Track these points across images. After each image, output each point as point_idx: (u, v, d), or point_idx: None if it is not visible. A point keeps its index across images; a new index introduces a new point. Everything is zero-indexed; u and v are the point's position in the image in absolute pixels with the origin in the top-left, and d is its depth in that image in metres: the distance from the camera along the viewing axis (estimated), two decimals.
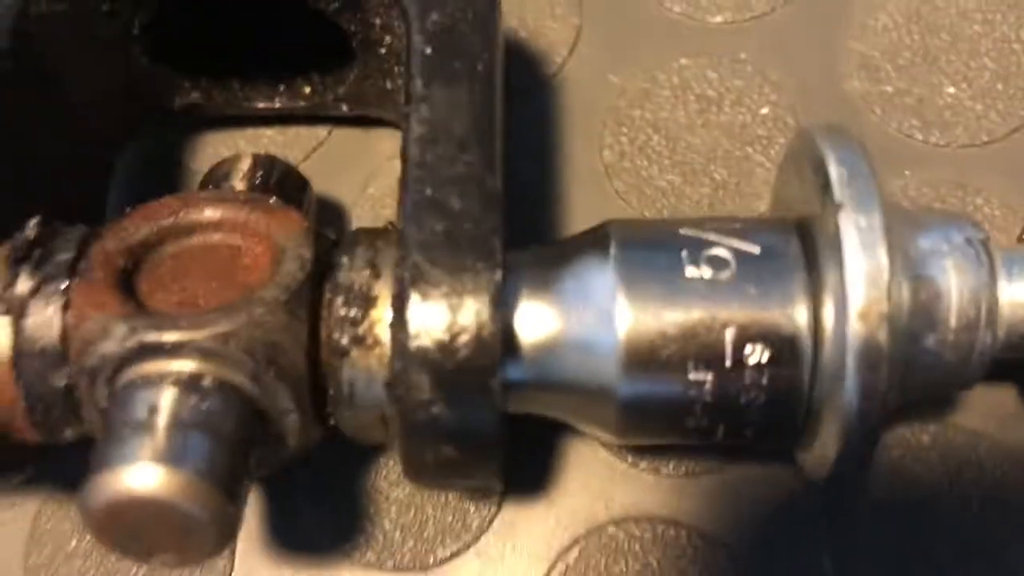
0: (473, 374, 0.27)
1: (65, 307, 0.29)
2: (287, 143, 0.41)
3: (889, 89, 0.40)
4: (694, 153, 0.39)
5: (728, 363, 0.28)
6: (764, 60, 0.41)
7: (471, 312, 0.27)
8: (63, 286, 0.29)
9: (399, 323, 0.27)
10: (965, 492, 0.34)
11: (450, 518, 0.35)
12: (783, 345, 0.28)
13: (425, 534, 0.35)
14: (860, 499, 0.34)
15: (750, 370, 0.28)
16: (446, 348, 0.27)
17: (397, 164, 0.39)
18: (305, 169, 0.38)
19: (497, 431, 0.28)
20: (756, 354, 0.28)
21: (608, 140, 0.40)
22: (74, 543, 0.36)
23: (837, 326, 0.27)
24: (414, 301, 0.27)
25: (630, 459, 0.35)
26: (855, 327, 0.26)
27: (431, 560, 0.35)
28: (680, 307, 0.28)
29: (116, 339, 0.28)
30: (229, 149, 0.41)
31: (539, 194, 0.39)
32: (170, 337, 0.27)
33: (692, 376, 0.28)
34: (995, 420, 0.35)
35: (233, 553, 0.35)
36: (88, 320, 0.28)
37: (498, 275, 0.28)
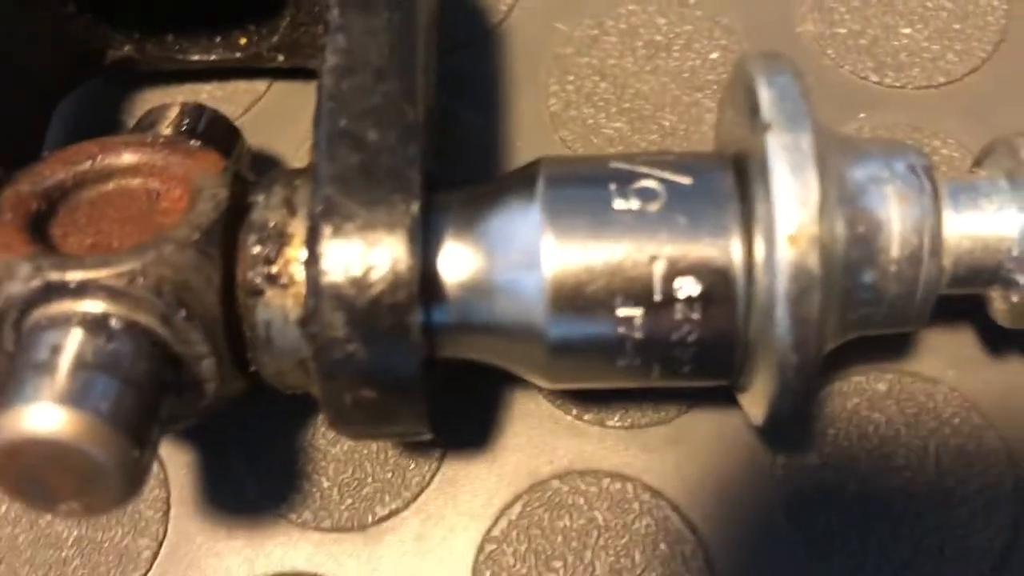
0: (389, 311, 0.26)
1: None
2: (225, 98, 0.40)
3: (843, 31, 0.38)
4: (642, 100, 0.38)
5: (657, 298, 0.27)
6: (714, 4, 0.40)
7: (387, 246, 0.26)
8: None
9: (311, 258, 0.26)
10: (922, 440, 0.32)
11: (389, 475, 0.34)
12: (714, 277, 0.26)
13: (363, 492, 0.34)
14: (814, 449, 0.33)
15: (680, 304, 0.27)
16: (360, 284, 0.26)
17: None
18: (244, 124, 0.36)
19: (418, 372, 0.27)
20: (686, 287, 0.27)
21: (554, 88, 0.39)
22: (3, 508, 0.35)
23: (767, 254, 0.25)
24: (326, 235, 0.26)
25: (575, 411, 0.34)
26: (784, 252, 0.25)
27: (369, 518, 0.33)
28: (606, 240, 0.27)
29: (20, 279, 0.26)
30: None
31: (484, 145, 0.38)
32: (75, 276, 0.26)
33: (620, 312, 0.27)
34: (953, 366, 0.33)
35: (167, 516, 0.34)
36: None
37: (415, 208, 0.26)
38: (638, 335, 0.27)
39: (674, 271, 0.27)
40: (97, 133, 0.38)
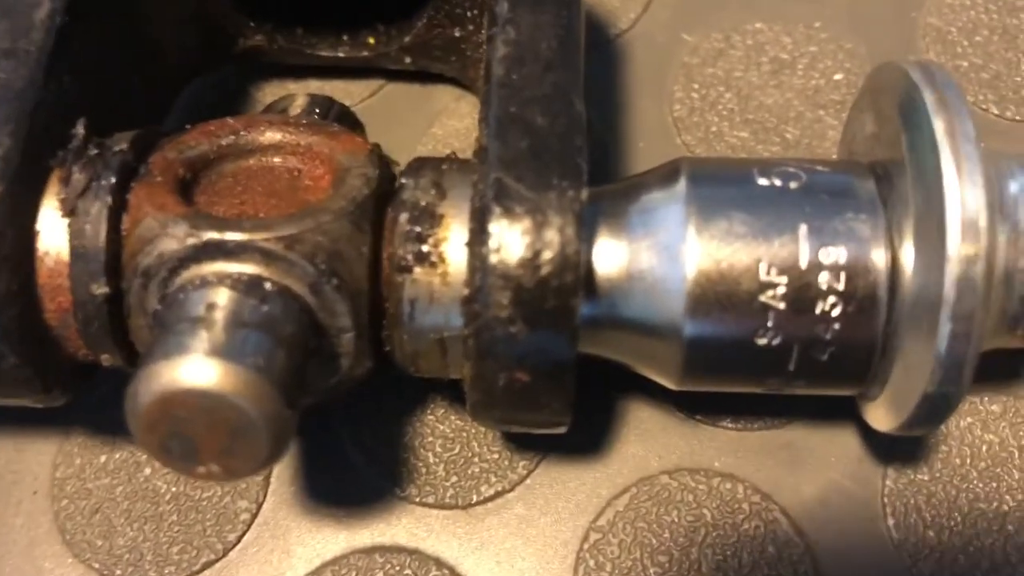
0: (555, 293, 0.23)
1: (114, 208, 0.25)
2: (334, 92, 0.36)
3: (964, 64, 0.36)
4: (766, 112, 0.36)
5: (803, 264, 0.25)
6: (839, 29, 0.38)
7: (555, 229, 0.24)
8: (112, 181, 0.25)
9: (480, 237, 0.24)
10: None
11: (496, 456, 0.31)
12: (861, 251, 0.25)
13: (470, 471, 0.31)
14: (925, 465, 0.30)
15: (826, 272, 0.25)
16: (529, 264, 0.23)
17: (451, 121, 0.36)
18: None
19: (573, 357, 0.24)
20: (832, 255, 0.25)
21: (679, 95, 0.37)
22: (104, 458, 0.32)
23: (931, 258, 0.23)
24: (496, 215, 0.24)
25: (686, 409, 0.32)
26: (953, 259, 0.23)
27: (474, 497, 0.31)
28: (750, 209, 0.25)
29: (176, 238, 0.24)
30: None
31: (609, 146, 0.36)
32: (233, 237, 0.24)
33: (764, 278, 0.25)
34: None
35: (267, 480, 0.32)
36: (147, 218, 0.25)
37: (584, 194, 0.24)
38: (781, 305, 0.25)
39: (820, 240, 0.25)
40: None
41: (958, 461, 0.30)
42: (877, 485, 0.30)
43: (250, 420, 0.22)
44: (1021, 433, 0.31)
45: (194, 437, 0.23)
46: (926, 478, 0.30)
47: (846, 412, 0.29)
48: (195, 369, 0.22)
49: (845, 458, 0.31)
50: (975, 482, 0.30)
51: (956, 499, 0.30)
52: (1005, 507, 0.30)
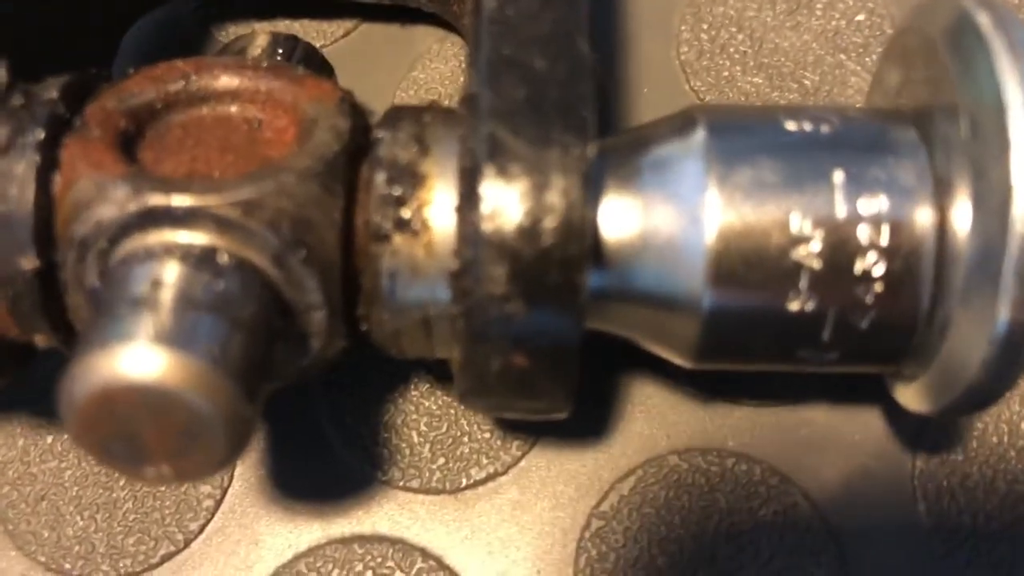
0: (559, 266, 0.20)
1: (43, 168, 0.22)
2: (303, 32, 0.33)
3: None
4: (781, 56, 0.32)
5: (840, 215, 0.21)
6: None
7: (558, 192, 0.20)
8: (40, 136, 0.22)
9: (470, 202, 0.20)
10: None
11: (488, 435, 0.29)
12: (904, 201, 0.21)
13: (458, 451, 0.28)
14: (960, 444, 0.28)
15: (866, 224, 0.21)
16: (528, 233, 0.20)
17: (435, 63, 0.32)
18: None
19: (578, 338, 0.21)
20: (873, 206, 0.21)
21: (687, 36, 0.33)
22: (50, 439, 0.30)
23: (991, 212, 0.20)
24: (489, 176, 0.20)
25: (697, 383, 0.29)
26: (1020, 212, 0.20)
27: (463, 481, 0.28)
28: (778, 155, 0.22)
29: (115, 202, 0.21)
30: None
31: (610, 93, 0.32)
32: (181, 201, 0.21)
33: (796, 231, 0.22)
34: None
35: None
36: (82, 179, 0.21)
37: (591, 150, 0.20)
38: (816, 265, 0.22)
39: (858, 186, 0.22)
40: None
41: (995, 439, 0.28)
42: (907, 466, 0.28)
43: (204, 419, 0.19)
44: None
45: (139, 437, 0.20)
46: (960, 458, 0.28)
47: (871, 386, 0.27)
48: (138, 359, 0.19)
49: (871, 436, 0.28)
50: (1013, 462, 0.27)
51: (993, 481, 0.27)
52: None
